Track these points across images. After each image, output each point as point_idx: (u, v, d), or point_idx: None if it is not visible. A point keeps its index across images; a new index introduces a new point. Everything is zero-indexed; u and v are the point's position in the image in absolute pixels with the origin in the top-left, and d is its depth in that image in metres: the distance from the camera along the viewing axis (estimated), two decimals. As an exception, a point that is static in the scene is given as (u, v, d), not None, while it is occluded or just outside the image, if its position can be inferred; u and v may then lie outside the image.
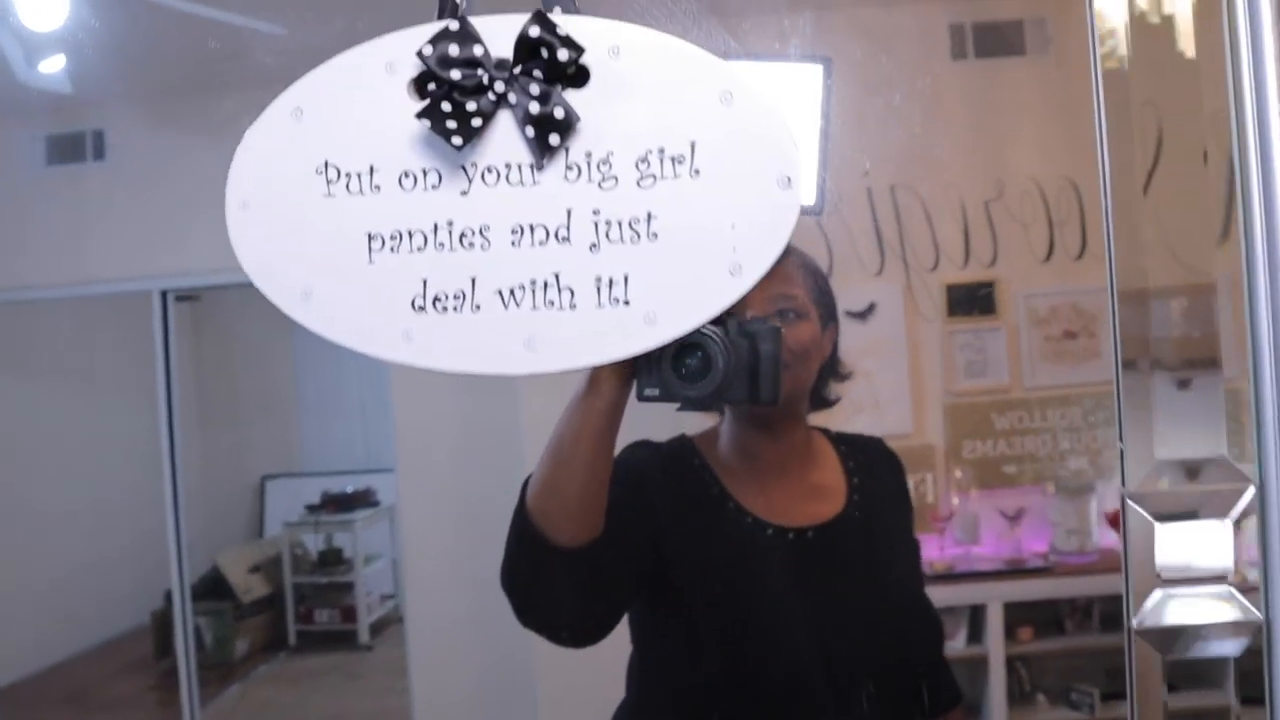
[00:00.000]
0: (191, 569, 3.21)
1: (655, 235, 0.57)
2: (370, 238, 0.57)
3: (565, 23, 0.55)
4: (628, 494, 0.87)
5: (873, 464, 1.11)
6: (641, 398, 0.62)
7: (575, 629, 0.91)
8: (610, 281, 0.57)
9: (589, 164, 0.57)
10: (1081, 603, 2.80)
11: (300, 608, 3.83)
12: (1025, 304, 3.00)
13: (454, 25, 0.55)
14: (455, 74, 0.55)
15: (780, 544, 1.00)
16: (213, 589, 3.65)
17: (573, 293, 0.57)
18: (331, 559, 3.85)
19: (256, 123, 0.56)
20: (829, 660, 0.99)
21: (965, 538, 2.90)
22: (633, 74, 0.56)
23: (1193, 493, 0.65)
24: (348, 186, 0.57)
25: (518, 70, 0.56)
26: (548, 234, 0.57)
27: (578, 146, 0.57)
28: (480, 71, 0.55)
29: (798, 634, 1.00)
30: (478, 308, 0.57)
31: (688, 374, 0.59)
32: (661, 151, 0.57)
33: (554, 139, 0.56)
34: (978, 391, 3.00)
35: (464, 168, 0.57)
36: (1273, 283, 0.64)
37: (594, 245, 0.57)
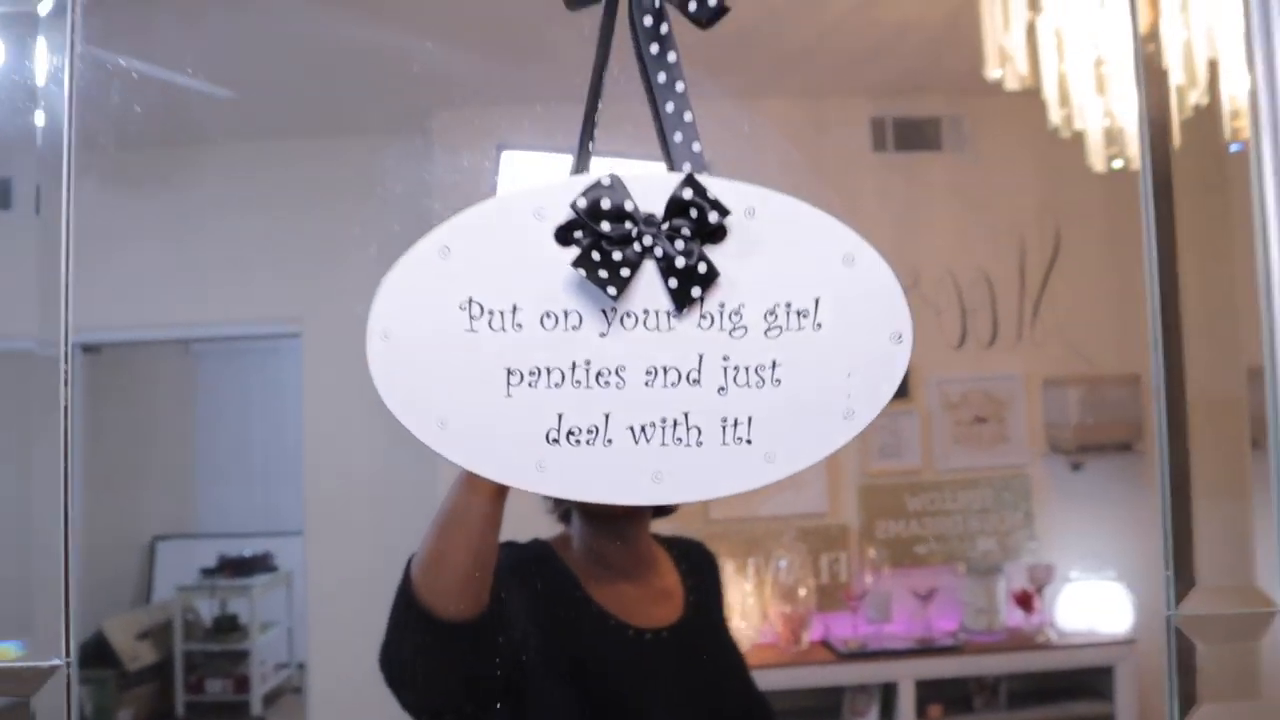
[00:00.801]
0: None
1: (779, 381, 0.62)
2: (509, 372, 0.61)
3: (709, 184, 0.61)
4: (504, 580, 0.92)
5: (700, 566, 1.21)
6: None
7: (457, 710, 0.95)
8: (735, 422, 0.62)
9: (722, 314, 0.62)
10: (989, 680, 2.91)
11: (190, 677, 3.68)
12: (938, 389, 3.13)
13: (606, 180, 0.60)
14: (605, 225, 0.60)
15: (640, 644, 1.08)
16: (95, 656, 3.49)
17: (700, 431, 0.62)
18: (226, 626, 3.73)
19: (404, 257, 0.60)
20: None
21: (877, 616, 2.99)
22: (766, 233, 0.62)
23: (1229, 617, 0.73)
24: (490, 323, 0.60)
25: (665, 226, 0.60)
26: (680, 376, 0.62)
27: (713, 298, 0.62)
28: (629, 224, 0.60)
29: None
30: (610, 442, 0.61)
31: None
32: (788, 306, 0.62)
33: (695, 291, 0.61)
34: (892, 473, 3.11)
35: (604, 311, 0.61)
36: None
37: (722, 388, 0.62)
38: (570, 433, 0.61)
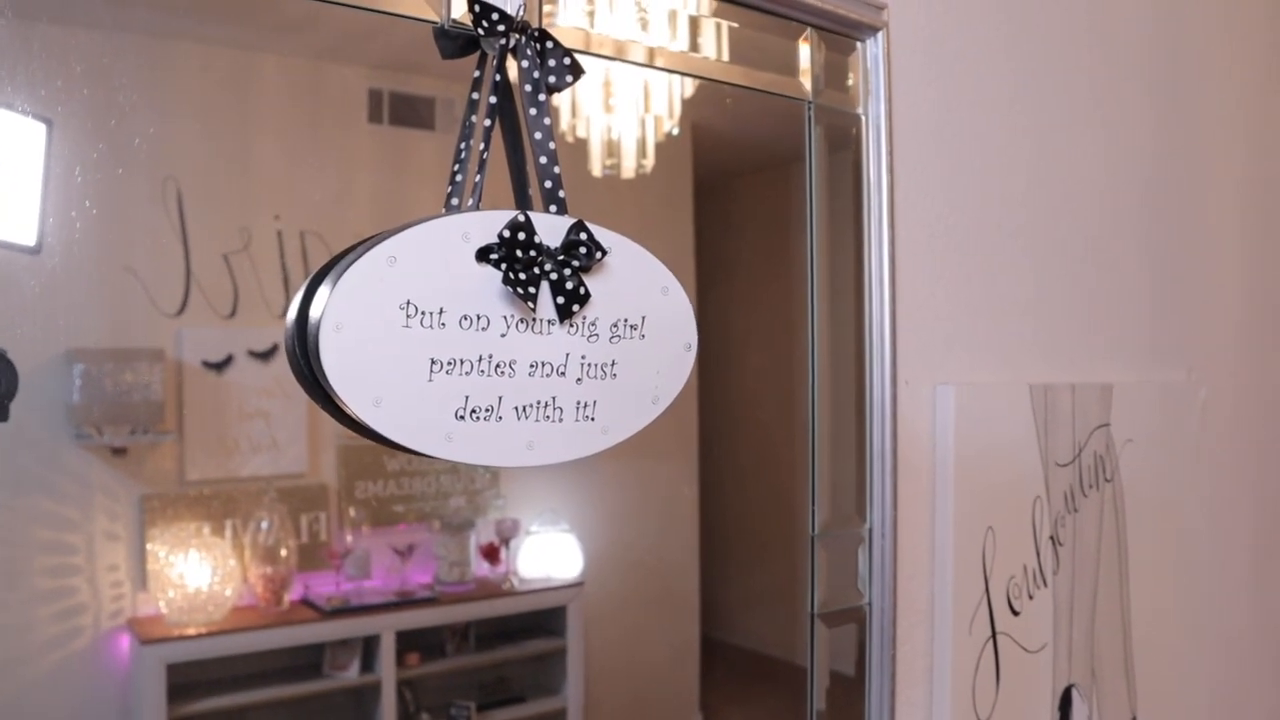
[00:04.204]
0: None
1: (615, 375, 0.87)
2: (432, 362, 0.79)
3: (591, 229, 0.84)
4: None
5: None
6: None
7: None
8: (586, 404, 0.86)
9: (584, 324, 0.85)
10: (460, 627, 3.27)
11: None
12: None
13: (521, 217, 0.80)
14: (519, 253, 0.80)
15: None
16: None
17: (562, 411, 0.85)
18: None
19: (359, 263, 0.75)
20: None
21: (357, 573, 3.22)
22: (616, 266, 0.87)
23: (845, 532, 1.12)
24: (421, 322, 0.78)
25: (561, 258, 0.82)
26: (552, 369, 0.84)
27: (579, 312, 0.85)
28: (534, 254, 0.81)
29: None
30: (500, 419, 0.82)
31: None
32: (626, 321, 0.88)
33: (575, 308, 0.83)
34: (372, 434, 3.33)
35: (505, 318, 0.82)
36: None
37: (579, 379, 0.86)
38: (473, 411, 0.81)
